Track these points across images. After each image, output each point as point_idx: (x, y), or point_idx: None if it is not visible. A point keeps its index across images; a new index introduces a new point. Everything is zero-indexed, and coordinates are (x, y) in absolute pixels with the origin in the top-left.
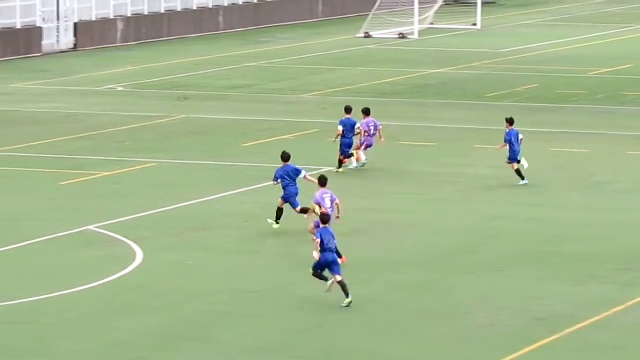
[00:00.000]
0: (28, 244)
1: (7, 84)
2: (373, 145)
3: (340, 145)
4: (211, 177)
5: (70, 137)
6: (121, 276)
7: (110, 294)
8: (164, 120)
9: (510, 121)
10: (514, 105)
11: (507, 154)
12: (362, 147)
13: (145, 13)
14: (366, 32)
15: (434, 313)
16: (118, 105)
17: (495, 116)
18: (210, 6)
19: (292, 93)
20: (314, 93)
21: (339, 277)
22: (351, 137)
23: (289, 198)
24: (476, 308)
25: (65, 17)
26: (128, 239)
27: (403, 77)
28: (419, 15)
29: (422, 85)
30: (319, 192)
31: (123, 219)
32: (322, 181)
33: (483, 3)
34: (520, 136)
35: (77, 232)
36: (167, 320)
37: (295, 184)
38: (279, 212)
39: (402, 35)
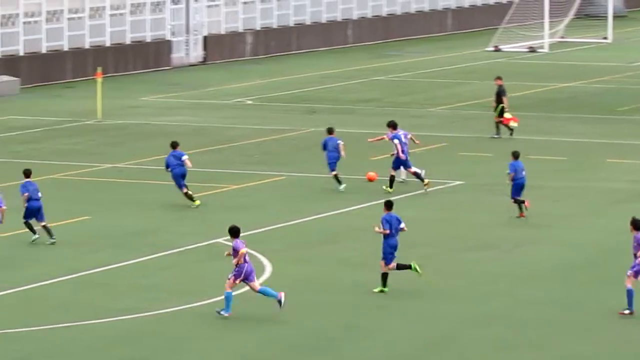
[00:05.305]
0: (158, 256)
1: (137, 97)
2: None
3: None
4: (339, 191)
5: (199, 150)
6: (250, 289)
7: (239, 307)
8: (293, 133)
9: None
10: None
11: None
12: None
13: (275, 27)
14: (496, 46)
15: (564, 328)
16: (247, 118)
17: (627, 130)
18: (339, 20)
19: (421, 107)
20: (443, 107)
21: None
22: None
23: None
24: (606, 323)
25: (195, 30)
26: (257, 252)
27: (533, 91)
28: (550, 29)
29: (552, 99)
30: None
31: (252, 232)
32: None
33: (614, 17)
34: None
35: (206, 245)
36: (295, 333)
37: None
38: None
39: (532, 49)
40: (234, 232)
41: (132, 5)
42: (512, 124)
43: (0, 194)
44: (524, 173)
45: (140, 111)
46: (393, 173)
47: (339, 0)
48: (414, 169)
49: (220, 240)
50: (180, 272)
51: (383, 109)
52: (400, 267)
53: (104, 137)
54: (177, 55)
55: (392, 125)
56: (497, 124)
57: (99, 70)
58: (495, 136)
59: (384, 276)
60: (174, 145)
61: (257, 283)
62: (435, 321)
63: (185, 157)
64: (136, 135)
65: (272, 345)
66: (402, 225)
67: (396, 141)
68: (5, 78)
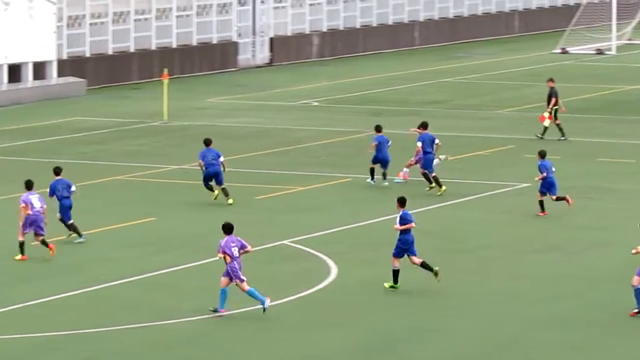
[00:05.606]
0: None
1: (204, 98)
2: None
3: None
4: (407, 193)
5: (265, 152)
6: (316, 291)
7: (306, 309)
8: (360, 135)
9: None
10: None
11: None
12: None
13: (341, 28)
14: (563, 48)
15: (630, 331)
16: (314, 120)
17: None
18: (406, 21)
19: (488, 109)
20: (510, 109)
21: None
22: (432, 153)
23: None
24: None
25: (262, 32)
26: (323, 253)
27: (600, 93)
28: (617, 31)
29: (619, 102)
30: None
31: (318, 234)
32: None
33: None
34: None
35: (272, 246)
36: (360, 335)
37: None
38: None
39: (599, 51)
40: (226, 228)
41: (198, 6)
42: (546, 122)
43: (38, 194)
44: (553, 169)
45: (206, 112)
46: (434, 174)
47: (405, 2)
48: (432, 171)
49: (285, 242)
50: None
51: (450, 110)
52: (394, 272)
53: (169, 139)
54: (244, 57)
55: (423, 126)
56: (559, 126)
57: (165, 71)
58: (562, 138)
59: (395, 273)
60: (208, 142)
61: (225, 281)
62: (501, 323)
63: (222, 159)
64: (202, 137)
65: (337, 347)
66: (413, 224)
67: (419, 144)
68: (71, 79)
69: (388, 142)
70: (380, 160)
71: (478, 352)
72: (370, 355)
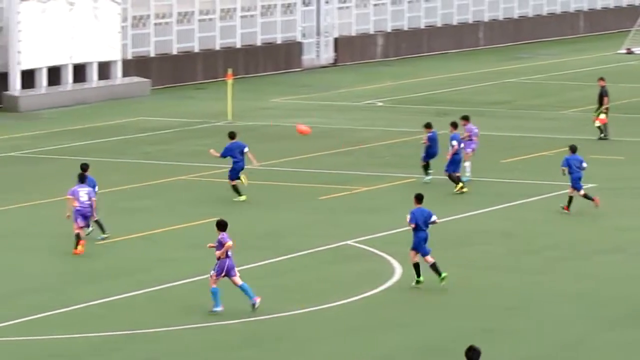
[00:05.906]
0: (288, 258)
1: (268, 98)
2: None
3: (452, 162)
4: (470, 193)
5: (329, 152)
6: (381, 291)
7: (370, 309)
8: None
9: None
10: None
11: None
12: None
13: (406, 29)
14: (628, 48)
15: None
16: (378, 120)
17: None
18: (470, 22)
19: (553, 109)
20: (575, 109)
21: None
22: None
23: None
24: None
25: (326, 32)
26: (387, 254)
27: None
28: None
29: None
30: None
31: (382, 234)
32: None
33: None
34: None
35: (336, 246)
36: (427, 335)
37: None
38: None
39: None
40: (222, 225)
41: (262, 7)
42: (597, 122)
43: (88, 187)
44: (583, 165)
45: (270, 113)
46: (458, 174)
47: (470, 2)
48: (458, 173)
49: (349, 242)
50: (310, 274)
51: (514, 111)
52: (433, 268)
53: None
54: (308, 57)
55: (453, 125)
56: (597, 124)
57: (230, 71)
58: (601, 136)
59: (416, 266)
60: (233, 135)
61: (238, 278)
62: (567, 323)
63: (247, 150)
64: (266, 137)
65: (401, 348)
66: (434, 218)
67: (454, 142)
68: (136, 79)
69: (436, 137)
70: (432, 155)
71: (543, 353)
72: (435, 355)
